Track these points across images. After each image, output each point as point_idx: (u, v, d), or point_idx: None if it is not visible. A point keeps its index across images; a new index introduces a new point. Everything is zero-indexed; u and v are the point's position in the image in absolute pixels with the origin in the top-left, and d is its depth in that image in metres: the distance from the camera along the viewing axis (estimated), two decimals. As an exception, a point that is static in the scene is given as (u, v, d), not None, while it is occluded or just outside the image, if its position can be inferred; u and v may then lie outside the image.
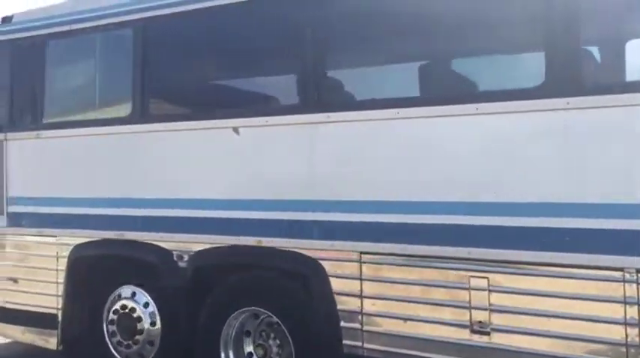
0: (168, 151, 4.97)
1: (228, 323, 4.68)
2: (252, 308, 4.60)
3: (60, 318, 5.46)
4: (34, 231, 5.64)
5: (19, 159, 5.77)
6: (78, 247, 5.37)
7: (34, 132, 5.66)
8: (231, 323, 4.68)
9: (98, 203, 5.27)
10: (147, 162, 5.07)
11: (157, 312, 5.07)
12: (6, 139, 5.83)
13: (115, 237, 5.18)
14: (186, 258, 4.84)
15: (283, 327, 4.44)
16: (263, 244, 4.49)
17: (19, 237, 5.75)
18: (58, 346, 5.49)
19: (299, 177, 4.37)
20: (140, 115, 5.11)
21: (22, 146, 5.77)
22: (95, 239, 5.30)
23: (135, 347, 5.15)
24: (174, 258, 4.88)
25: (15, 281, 5.77)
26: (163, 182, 4.97)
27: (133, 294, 5.19)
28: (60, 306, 5.46)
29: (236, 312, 4.65)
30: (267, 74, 4.84)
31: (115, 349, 5.28)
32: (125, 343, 5.21)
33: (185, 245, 4.84)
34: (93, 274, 5.34)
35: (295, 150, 4.40)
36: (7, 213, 5.81)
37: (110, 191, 5.23)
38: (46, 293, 5.55)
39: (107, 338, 5.32)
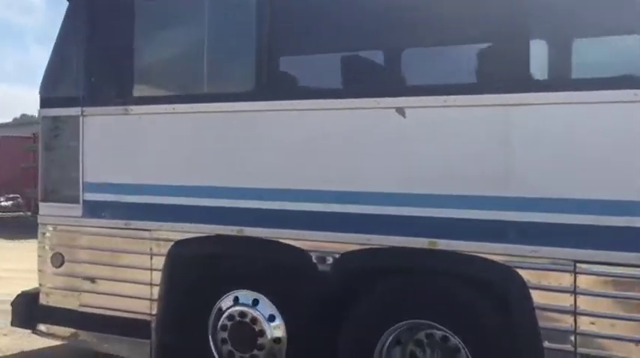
0: (304, 134, 4.22)
1: (382, 338, 3.99)
2: (418, 321, 3.91)
3: (154, 325, 4.67)
4: (120, 223, 4.80)
5: (101, 138, 4.91)
6: (181, 243, 4.57)
7: (122, 108, 4.80)
8: (385, 338, 4.00)
9: (210, 192, 4.48)
10: (277, 146, 4.29)
11: (283, 326, 4.33)
12: (83, 115, 4.95)
13: (233, 234, 4.41)
14: (330, 260, 4.11)
15: (463, 346, 3.77)
16: (438, 247, 3.80)
17: (99, 229, 4.90)
18: (150, 357, 4.71)
19: (490, 168, 3.69)
20: (268, 90, 4.33)
21: (105, 123, 4.91)
22: (205, 234, 4.51)
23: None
24: (314, 261, 4.15)
25: (93, 281, 4.94)
26: (302, 170, 4.21)
27: (255, 302, 4.43)
28: (154, 312, 4.68)
29: (395, 325, 3.96)
30: (450, 43, 4.06)
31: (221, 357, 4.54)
32: (239, 355, 4.47)
33: (330, 245, 4.11)
34: (200, 275, 4.57)
35: (487, 137, 3.71)
36: (84, 201, 4.95)
37: (227, 179, 4.44)
38: (136, 296, 4.75)
39: (212, 346, 4.56)
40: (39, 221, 5.24)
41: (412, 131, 3.89)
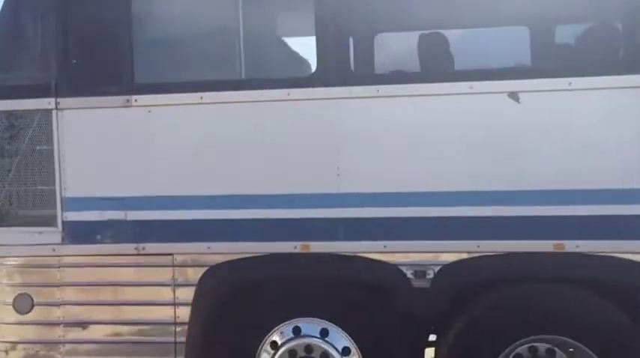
0: (384, 125, 3.51)
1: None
2: (546, 336, 3.42)
3: (181, 375, 3.66)
4: (127, 248, 3.68)
5: (88, 139, 3.72)
6: (219, 268, 3.61)
7: (121, 98, 3.67)
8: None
9: (260, 202, 3.58)
10: (348, 142, 3.53)
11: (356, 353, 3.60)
12: (58, 108, 3.71)
13: (294, 251, 3.56)
14: (430, 274, 3.48)
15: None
16: (566, 249, 3.36)
17: (91, 258, 3.72)
18: None
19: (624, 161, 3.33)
20: (336, 75, 3.54)
21: (95, 119, 3.72)
22: (250, 255, 3.60)
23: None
24: (408, 276, 3.48)
25: (84, 327, 3.74)
26: (391, 169, 3.50)
27: (324, 332, 3.63)
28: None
29: (515, 344, 3.44)
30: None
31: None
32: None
33: (429, 256, 3.48)
34: (245, 306, 3.65)
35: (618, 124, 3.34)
36: (65, 222, 3.72)
37: (279, 185, 3.58)
38: (154, 340, 3.68)
39: (262, 394, 3.69)
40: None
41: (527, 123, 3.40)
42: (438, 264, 3.47)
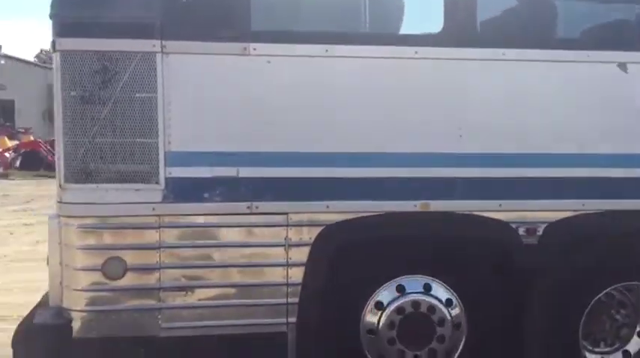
0: (506, 87, 3.61)
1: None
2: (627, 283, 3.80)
3: (291, 336, 3.54)
4: (239, 206, 3.44)
5: (198, 88, 3.38)
6: (335, 227, 3.52)
7: (237, 45, 3.37)
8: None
9: (376, 161, 3.52)
10: (471, 103, 3.58)
11: (462, 310, 3.73)
12: (164, 52, 3.32)
13: (413, 209, 3.57)
14: (540, 231, 3.68)
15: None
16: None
17: (198, 218, 3.44)
18: (286, 380, 3.58)
19: None
20: (463, 35, 3.54)
21: (208, 66, 3.38)
22: (368, 214, 3.55)
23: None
24: (521, 233, 3.66)
25: (187, 292, 3.46)
26: (509, 130, 3.61)
27: (427, 287, 3.70)
28: (291, 320, 3.54)
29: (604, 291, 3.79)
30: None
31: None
32: (411, 354, 3.71)
33: (540, 214, 3.67)
34: (355, 265, 3.60)
35: None
36: (168, 179, 3.38)
37: (401, 144, 3.55)
38: (264, 303, 3.52)
39: (367, 350, 3.68)
40: (61, 212, 3.41)
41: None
42: (546, 222, 3.69)
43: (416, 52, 3.50)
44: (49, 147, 20.59)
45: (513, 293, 3.73)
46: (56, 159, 3.44)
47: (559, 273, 3.71)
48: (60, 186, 3.37)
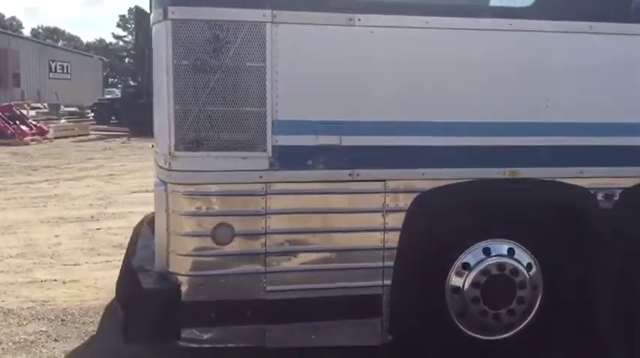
0: (591, 61, 3.77)
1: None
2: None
3: (387, 298, 3.71)
4: (341, 174, 3.55)
5: (305, 57, 3.45)
6: (429, 194, 3.67)
7: (344, 16, 3.44)
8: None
9: (473, 129, 3.66)
10: (558, 75, 3.74)
11: (540, 274, 3.93)
12: (274, 22, 3.38)
13: (500, 177, 3.73)
14: (616, 196, 3.88)
15: None
16: None
17: (302, 185, 3.54)
18: (383, 337, 3.75)
19: None
20: (552, 9, 3.67)
21: (314, 36, 3.46)
22: (458, 181, 3.70)
23: (505, 319, 3.92)
24: (599, 198, 3.86)
25: (290, 257, 3.58)
26: (585, 103, 3.78)
27: (511, 252, 3.89)
28: (386, 282, 3.70)
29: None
30: None
31: (468, 320, 3.89)
32: (492, 313, 3.91)
33: (616, 180, 3.85)
34: (446, 230, 3.77)
35: None
36: (275, 146, 3.47)
37: (493, 114, 3.69)
38: (362, 266, 3.67)
39: (451, 309, 3.87)
40: (171, 180, 3.47)
41: None
42: (621, 188, 3.90)
43: (510, 25, 3.63)
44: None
45: (589, 256, 3.94)
46: (159, 127, 3.49)
47: (632, 236, 3.93)
48: (169, 153, 3.43)
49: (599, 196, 3.87)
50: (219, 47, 3.35)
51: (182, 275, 3.51)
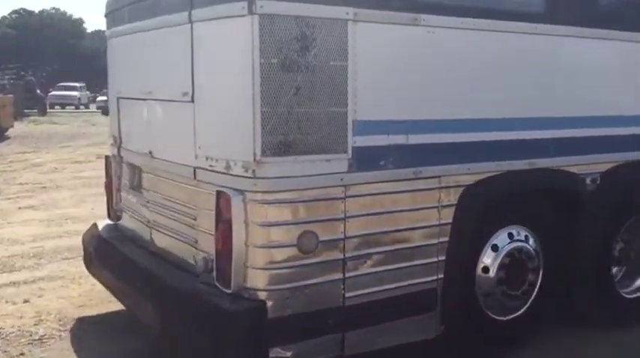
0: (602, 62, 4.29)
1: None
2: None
3: (440, 291, 3.82)
4: (407, 172, 3.57)
5: (378, 55, 3.40)
6: (472, 187, 3.85)
7: (409, 16, 3.46)
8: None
9: (502, 125, 3.93)
10: (571, 75, 4.16)
11: (542, 259, 4.34)
12: (355, 19, 3.27)
13: (524, 168, 4.05)
14: (597, 180, 4.43)
15: None
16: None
17: (377, 185, 3.49)
18: (436, 330, 3.85)
19: None
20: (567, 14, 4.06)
21: (386, 34, 3.41)
22: (495, 173, 3.93)
23: (520, 299, 4.26)
24: (587, 182, 4.38)
25: (365, 260, 3.51)
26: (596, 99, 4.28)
27: (527, 238, 4.22)
28: (440, 275, 3.81)
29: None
30: None
31: (493, 301, 4.12)
32: (510, 293, 4.22)
33: (599, 166, 4.41)
34: (482, 218, 3.98)
35: None
36: (354, 148, 3.37)
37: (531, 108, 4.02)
38: (422, 262, 3.74)
39: (478, 291, 4.08)
40: (257, 188, 3.18)
41: None
42: (600, 172, 4.46)
43: (535, 28, 3.97)
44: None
45: (581, 234, 4.43)
46: (239, 129, 3.18)
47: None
48: (254, 160, 3.15)
49: (588, 180, 4.41)
50: (306, 45, 3.17)
51: (267, 290, 3.25)
